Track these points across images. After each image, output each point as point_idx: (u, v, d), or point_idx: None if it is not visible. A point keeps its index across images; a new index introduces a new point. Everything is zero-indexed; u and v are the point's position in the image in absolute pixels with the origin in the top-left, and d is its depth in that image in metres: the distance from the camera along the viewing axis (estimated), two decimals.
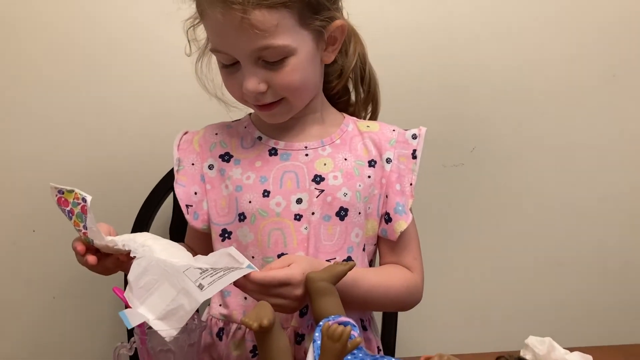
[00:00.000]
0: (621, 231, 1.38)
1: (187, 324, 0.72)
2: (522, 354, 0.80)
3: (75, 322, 1.35)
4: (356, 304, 0.92)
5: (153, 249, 0.77)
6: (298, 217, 0.93)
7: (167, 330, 0.68)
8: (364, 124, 1.02)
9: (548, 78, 1.33)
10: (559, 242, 1.38)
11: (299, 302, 0.80)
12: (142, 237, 0.79)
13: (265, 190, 0.93)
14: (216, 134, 1.01)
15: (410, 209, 0.96)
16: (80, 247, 0.79)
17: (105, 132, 1.31)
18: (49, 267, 1.33)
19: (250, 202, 0.93)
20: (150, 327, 0.71)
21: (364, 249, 0.96)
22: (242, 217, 0.94)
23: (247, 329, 0.93)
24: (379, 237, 0.98)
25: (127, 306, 0.70)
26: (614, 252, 1.38)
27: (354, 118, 1.04)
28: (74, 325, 1.35)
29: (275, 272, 0.77)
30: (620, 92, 1.35)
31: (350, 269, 0.79)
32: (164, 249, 0.78)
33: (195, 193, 0.97)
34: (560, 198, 1.37)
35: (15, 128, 1.29)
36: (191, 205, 0.97)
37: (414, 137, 0.99)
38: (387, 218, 0.96)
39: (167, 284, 0.71)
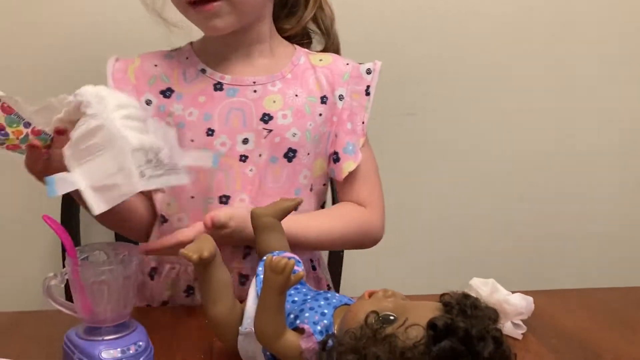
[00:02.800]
0: (566, 177, 1.40)
1: (122, 255, 0.68)
2: None
3: (7, 257, 1.29)
4: (308, 246, 0.90)
5: (107, 102, 0.65)
6: (244, 158, 0.88)
7: (96, 203, 0.61)
8: (316, 57, 0.97)
9: (501, 21, 1.32)
10: (507, 189, 1.39)
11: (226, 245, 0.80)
12: (94, 88, 0.67)
13: (209, 129, 0.88)
14: (155, 65, 0.93)
15: (363, 147, 0.93)
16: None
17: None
18: None
19: (192, 140, 0.88)
20: (83, 258, 0.68)
21: (311, 190, 0.94)
22: None
23: (181, 269, 0.90)
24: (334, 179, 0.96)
25: (58, 235, 0.66)
26: (559, 199, 1.41)
27: (306, 50, 0.98)
28: (5, 260, 1.29)
29: (207, 220, 0.77)
30: (569, 34, 1.35)
31: (297, 205, 0.77)
32: (120, 106, 0.66)
33: None
34: (511, 144, 1.38)
35: None
36: None
37: (369, 72, 0.95)
38: (336, 158, 0.93)
39: (109, 156, 0.62)
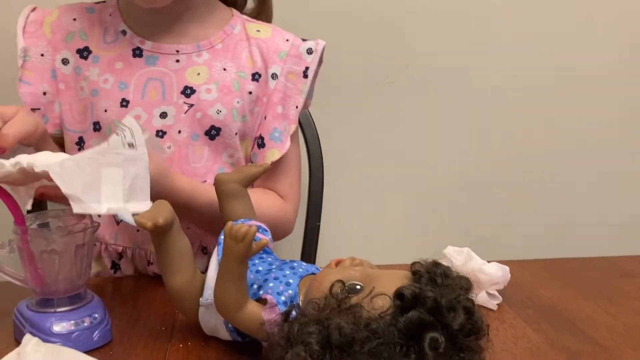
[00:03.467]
0: (545, 148, 1.38)
1: (70, 225, 0.64)
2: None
3: None
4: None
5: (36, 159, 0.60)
6: (161, 133, 0.81)
7: (144, 208, 0.60)
8: (254, 26, 0.88)
9: None
10: (485, 158, 1.37)
11: None
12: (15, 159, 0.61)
13: (123, 99, 0.81)
14: (74, 19, 0.85)
15: (293, 136, 0.85)
16: None
17: None
18: None
19: (106, 110, 0.80)
20: (38, 226, 0.64)
21: None
22: (97, 126, 0.81)
23: (104, 245, 0.85)
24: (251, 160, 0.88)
25: (3, 201, 0.61)
26: (536, 169, 1.39)
27: (245, 17, 0.90)
28: None
29: None
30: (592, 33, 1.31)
31: (264, 171, 0.73)
32: (46, 156, 0.62)
33: (45, 93, 0.82)
34: (484, 115, 1.35)
35: None
36: (39, 109, 0.82)
37: (309, 51, 0.86)
38: (260, 143, 0.85)
39: (104, 169, 0.60)
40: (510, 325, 0.71)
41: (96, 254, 0.85)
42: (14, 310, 0.65)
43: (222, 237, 0.63)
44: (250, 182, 0.73)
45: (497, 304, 0.76)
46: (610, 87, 1.36)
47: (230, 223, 0.56)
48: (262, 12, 0.93)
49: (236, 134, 0.84)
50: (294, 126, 0.85)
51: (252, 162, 0.87)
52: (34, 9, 0.85)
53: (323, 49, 0.87)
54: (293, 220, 0.90)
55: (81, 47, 0.84)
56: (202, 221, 0.81)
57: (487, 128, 1.36)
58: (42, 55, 0.83)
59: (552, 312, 0.75)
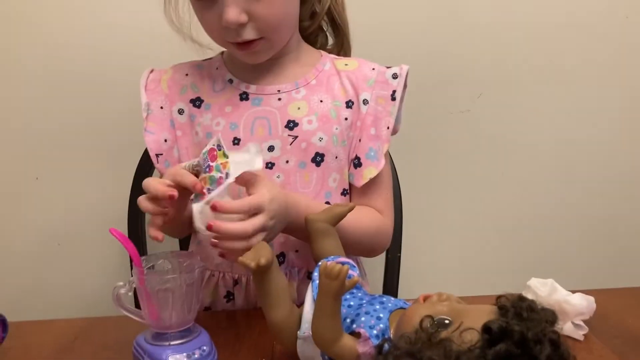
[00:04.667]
0: (627, 178, 1.36)
1: (185, 263, 0.72)
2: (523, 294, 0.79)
3: (79, 268, 1.36)
4: None
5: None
6: (270, 165, 0.89)
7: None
8: (342, 62, 0.97)
9: (557, 24, 1.29)
10: (565, 187, 1.36)
11: (269, 234, 0.74)
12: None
13: (235, 138, 0.90)
14: (187, 74, 0.96)
15: (385, 154, 0.91)
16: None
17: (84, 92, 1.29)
18: (53, 215, 1.34)
19: None
20: (149, 267, 0.71)
21: (342, 194, 0.94)
22: None
23: (220, 276, 0.93)
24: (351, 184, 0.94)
25: (125, 246, 0.70)
26: (619, 195, 1.37)
27: (333, 56, 0.98)
28: (78, 271, 1.36)
29: (245, 201, 0.72)
30: (633, 36, 1.30)
31: (350, 210, 0.78)
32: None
33: (166, 140, 0.92)
34: (568, 145, 1.35)
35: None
36: (161, 154, 0.92)
37: (395, 76, 0.93)
38: (357, 163, 0.92)
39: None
40: (599, 355, 0.72)
41: (213, 284, 0.94)
42: (134, 343, 0.72)
43: (316, 274, 0.68)
44: (338, 221, 0.78)
45: (584, 335, 0.76)
46: None
47: (324, 262, 0.61)
48: (342, 46, 1.00)
49: (337, 157, 0.91)
50: (386, 145, 0.91)
51: (349, 183, 0.94)
52: (152, 71, 0.97)
53: (407, 73, 0.93)
54: (390, 234, 0.96)
55: (194, 97, 0.94)
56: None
57: (568, 155, 1.35)
58: (161, 107, 0.94)
59: None
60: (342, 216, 0.78)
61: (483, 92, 1.32)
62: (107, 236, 0.72)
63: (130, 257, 0.70)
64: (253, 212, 0.71)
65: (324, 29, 1.00)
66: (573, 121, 1.34)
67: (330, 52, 1.00)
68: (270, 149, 0.90)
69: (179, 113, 0.94)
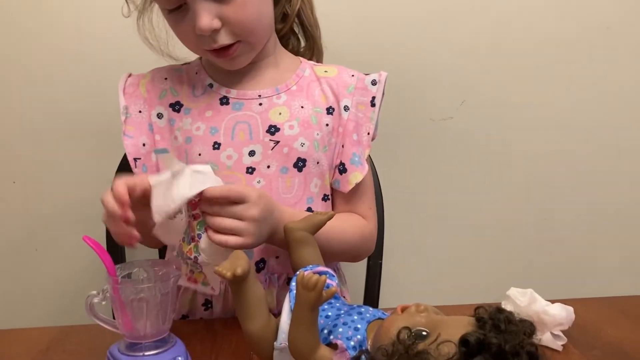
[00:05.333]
0: (610, 183, 1.37)
1: (160, 272, 0.70)
2: (502, 305, 0.79)
3: (55, 274, 1.34)
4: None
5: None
6: (250, 170, 0.89)
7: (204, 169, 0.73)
8: (321, 68, 0.97)
9: (540, 30, 1.29)
10: (546, 196, 1.37)
11: (256, 227, 0.74)
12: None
13: (215, 142, 0.89)
14: (165, 78, 0.95)
15: (367, 160, 0.93)
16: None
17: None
18: (30, 219, 1.31)
19: (200, 154, 0.89)
20: (124, 276, 0.70)
21: (324, 199, 0.94)
22: None
23: (197, 284, 0.91)
24: (332, 187, 0.95)
25: (98, 254, 0.68)
26: (600, 205, 1.38)
27: (312, 62, 0.99)
28: (54, 277, 1.34)
29: (230, 186, 0.74)
30: (616, 44, 1.31)
31: (329, 219, 0.78)
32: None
33: (144, 145, 0.92)
34: (550, 153, 1.35)
35: None
36: (139, 158, 0.91)
37: (374, 83, 0.94)
38: (342, 169, 0.92)
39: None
40: None
41: (191, 292, 0.92)
42: (107, 353, 0.70)
43: (294, 284, 0.67)
44: (317, 230, 0.77)
45: (562, 345, 0.76)
46: None
47: (301, 272, 0.60)
48: (313, 51, 1.00)
49: (318, 163, 0.91)
50: (367, 150, 0.93)
51: (333, 189, 0.95)
52: (130, 75, 0.96)
53: (385, 80, 0.94)
54: (374, 240, 0.97)
55: (173, 101, 0.93)
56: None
57: (549, 163, 1.35)
58: (140, 111, 0.93)
59: (619, 353, 0.75)
60: (322, 225, 0.78)
61: (466, 99, 1.32)
62: (84, 243, 0.70)
63: (104, 264, 0.69)
64: (236, 200, 0.73)
65: (296, 32, 1.00)
66: (556, 129, 1.34)
67: (303, 56, 1.00)
68: (251, 153, 0.89)
69: (158, 117, 0.93)
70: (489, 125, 1.33)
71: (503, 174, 1.35)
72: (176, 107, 0.93)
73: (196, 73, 0.95)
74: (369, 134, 0.93)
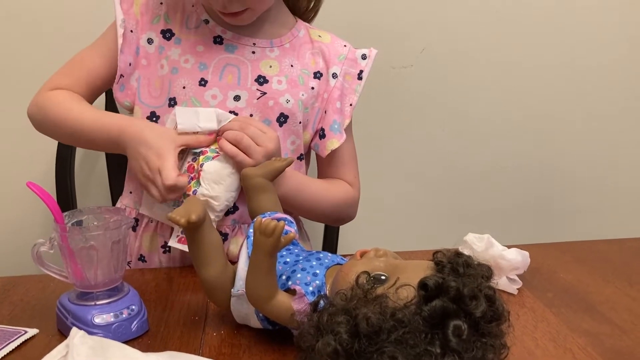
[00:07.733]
0: (561, 137, 1.39)
1: (110, 220, 0.67)
2: (460, 250, 0.79)
3: (2, 224, 1.29)
4: (300, 210, 0.91)
5: None
6: (233, 114, 0.87)
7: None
8: (316, 32, 0.97)
9: None
10: (502, 143, 1.38)
11: (264, 157, 0.79)
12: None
13: (202, 79, 0.88)
14: (161, 3, 0.92)
15: (347, 130, 0.95)
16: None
17: None
18: None
19: (184, 87, 0.88)
20: (73, 223, 0.67)
21: (299, 158, 0.94)
22: (172, 102, 0.88)
23: (159, 224, 0.89)
24: (317, 154, 0.96)
25: (44, 201, 0.65)
26: (558, 150, 1.40)
27: (307, 24, 0.99)
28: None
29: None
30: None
31: (288, 165, 0.76)
32: None
33: (130, 64, 0.90)
34: (506, 99, 1.35)
35: None
36: (123, 76, 0.89)
37: (364, 57, 0.96)
38: (322, 134, 0.94)
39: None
40: (531, 309, 0.73)
41: (151, 232, 0.90)
42: (57, 303, 0.68)
43: (251, 230, 0.66)
44: (275, 176, 0.75)
45: (518, 289, 0.78)
46: None
47: (259, 218, 0.59)
48: (316, 13, 1.01)
49: (299, 122, 0.92)
50: (347, 120, 0.95)
51: (315, 152, 0.97)
52: None
53: (374, 57, 0.97)
54: (357, 206, 0.99)
55: (165, 28, 0.90)
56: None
57: (507, 112, 1.36)
58: (131, 31, 0.90)
59: (571, 295, 0.77)
60: (280, 171, 0.76)
61: (426, 47, 1.30)
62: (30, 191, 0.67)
63: (51, 212, 0.65)
64: (261, 128, 0.82)
65: None
66: (513, 75, 1.34)
67: (306, 16, 1.00)
68: (236, 98, 0.88)
69: (148, 42, 0.90)
70: (449, 74, 1.32)
71: (460, 120, 1.35)
72: (167, 34, 0.90)
73: (193, 5, 0.92)
74: (351, 105, 0.94)
